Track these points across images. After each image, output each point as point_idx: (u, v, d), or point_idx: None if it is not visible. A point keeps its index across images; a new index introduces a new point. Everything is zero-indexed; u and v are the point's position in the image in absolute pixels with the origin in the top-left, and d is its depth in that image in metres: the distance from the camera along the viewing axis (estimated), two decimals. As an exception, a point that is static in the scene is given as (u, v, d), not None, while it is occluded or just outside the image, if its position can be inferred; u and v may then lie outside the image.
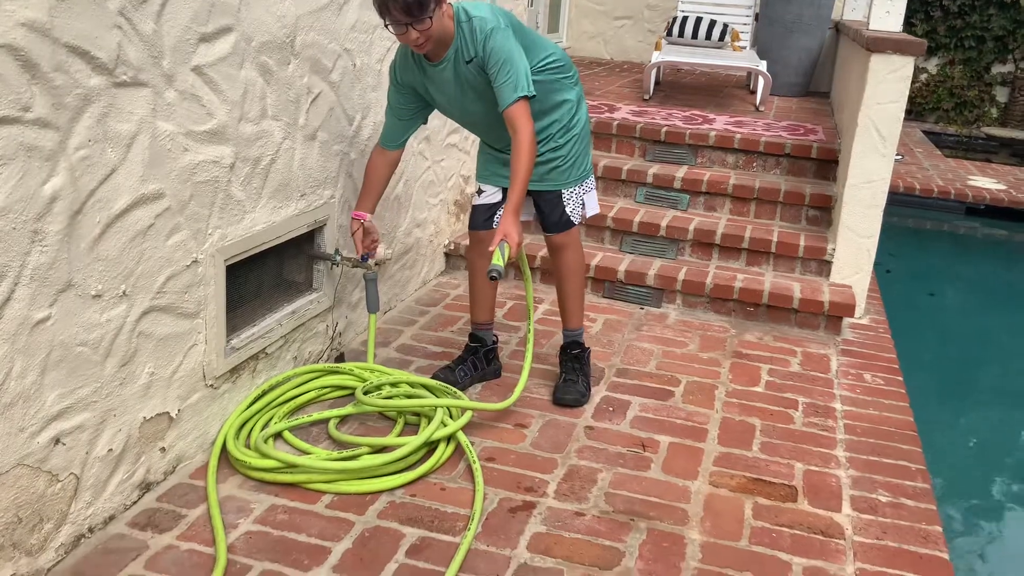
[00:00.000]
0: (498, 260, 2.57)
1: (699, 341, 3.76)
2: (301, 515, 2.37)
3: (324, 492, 2.48)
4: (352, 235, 3.00)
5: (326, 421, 2.80)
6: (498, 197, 3.04)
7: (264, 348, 2.83)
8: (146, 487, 2.39)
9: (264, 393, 2.83)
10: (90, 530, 2.20)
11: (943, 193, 7.37)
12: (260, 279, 2.87)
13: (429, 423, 2.74)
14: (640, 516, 2.47)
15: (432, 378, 3.00)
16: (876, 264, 4.31)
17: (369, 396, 2.79)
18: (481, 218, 3.08)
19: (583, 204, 3.04)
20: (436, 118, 3.88)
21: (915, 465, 2.86)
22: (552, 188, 2.96)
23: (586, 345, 3.22)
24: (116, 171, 2.08)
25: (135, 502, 2.35)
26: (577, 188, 3.00)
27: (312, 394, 2.93)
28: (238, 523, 2.32)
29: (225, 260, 2.55)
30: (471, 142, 4.42)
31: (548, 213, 3.00)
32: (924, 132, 10.05)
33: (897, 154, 8.38)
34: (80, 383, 2.08)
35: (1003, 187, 7.62)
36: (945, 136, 10.17)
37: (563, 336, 3.20)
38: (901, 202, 7.17)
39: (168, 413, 2.42)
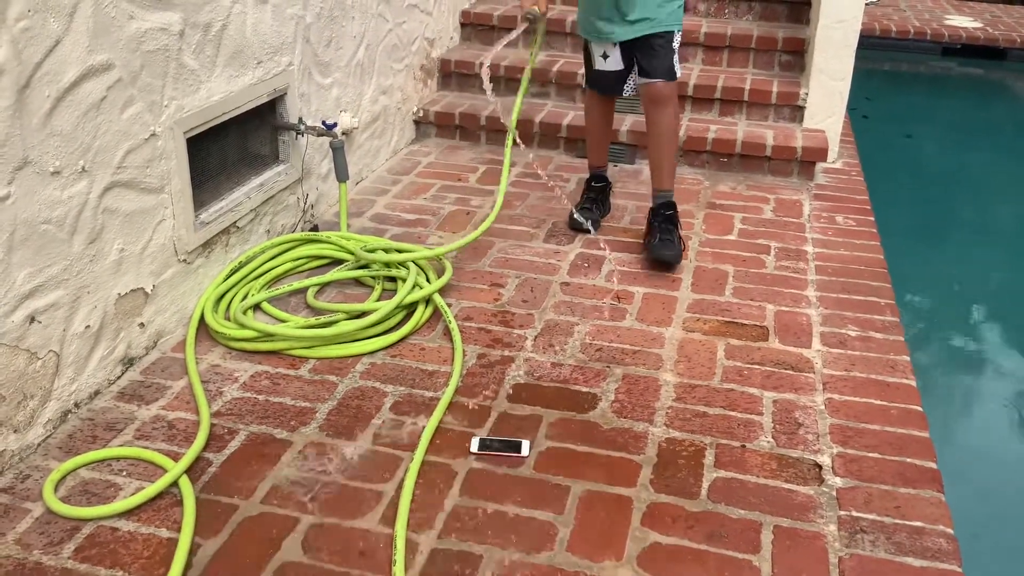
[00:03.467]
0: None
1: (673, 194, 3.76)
2: (284, 380, 2.42)
3: (306, 358, 2.52)
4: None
5: (304, 291, 2.82)
6: (622, 63, 3.06)
7: (235, 222, 2.82)
8: (128, 362, 2.42)
9: (240, 266, 2.84)
10: (76, 405, 2.24)
11: (919, 34, 7.25)
12: (224, 152, 2.83)
13: (404, 285, 2.76)
14: (616, 363, 2.54)
15: (570, 222, 3.32)
16: (852, 110, 4.28)
17: (365, 253, 2.86)
18: (606, 83, 3.14)
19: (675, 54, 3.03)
20: (394, -23, 3.75)
21: (884, 300, 2.92)
22: (666, 30, 2.94)
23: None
24: (61, 42, 2.01)
25: (119, 377, 2.39)
26: (679, 35, 3.00)
27: (288, 265, 2.94)
28: (223, 391, 2.36)
29: (184, 132, 2.50)
30: (432, 2, 4.29)
31: (659, 58, 2.95)
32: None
33: (873, -3, 8.19)
34: (49, 261, 2.08)
35: (979, 25, 7.49)
36: (923, -24, 9.91)
37: (656, 198, 3.14)
38: (877, 45, 7.05)
39: (143, 289, 2.43)
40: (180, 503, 1.95)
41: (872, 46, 7.07)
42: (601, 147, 3.40)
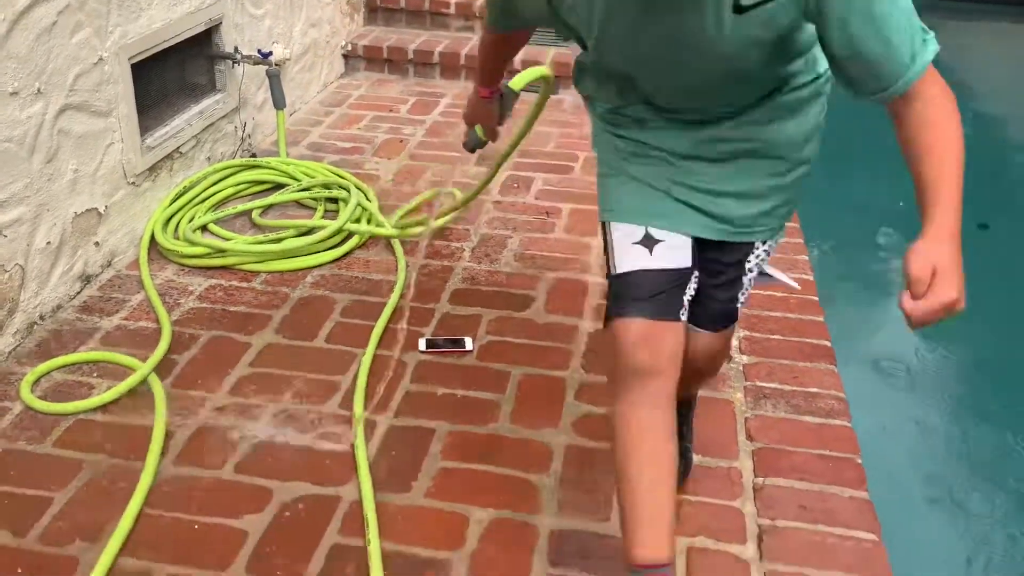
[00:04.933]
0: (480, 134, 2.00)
1: (594, 121, 3.97)
2: (238, 292, 2.58)
3: (257, 272, 2.68)
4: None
5: (249, 212, 2.96)
6: (688, 258, 1.50)
7: (178, 147, 2.93)
8: (86, 279, 2.54)
9: (184, 191, 2.95)
10: (41, 317, 2.36)
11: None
12: (165, 80, 2.92)
13: (347, 205, 2.92)
14: (547, 269, 2.76)
15: None
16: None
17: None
18: (654, 290, 1.47)
19: (756, 270, 1.60)
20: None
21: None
22: (748, 239, 1.54)
23: None
24: (11, -35, 2.10)
25: (78, 292, 2.51)
26: (772, 244, 1.59)
27: (231, 190, 3.06)
28: (180, 303, 2.51)
29: (129, 58, 2.60)
30: (358, -63, 4.37)
31: (716, 287, 1.56)
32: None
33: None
34: (12, 178, 2.18)
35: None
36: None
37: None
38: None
39: (96, 209, 2.54)
40: (152, 396, 2.11)
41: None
42: (652, 516, 1.48)
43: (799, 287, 1.98)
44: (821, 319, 2.54)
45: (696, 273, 1.51)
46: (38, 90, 2.23)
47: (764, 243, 1.56)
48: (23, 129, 2.20)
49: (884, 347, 3.27)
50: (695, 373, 1.68)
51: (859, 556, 1.76)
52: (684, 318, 1.49)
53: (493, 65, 1.87)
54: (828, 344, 2.43)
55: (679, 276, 1.49)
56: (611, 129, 1.56)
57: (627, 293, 1.47)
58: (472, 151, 2.04)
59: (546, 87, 2.19)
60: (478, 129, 1.97)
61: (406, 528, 1.79)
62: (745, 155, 1.48)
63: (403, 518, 1.81)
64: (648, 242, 1.49)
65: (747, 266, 1.57)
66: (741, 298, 1.61)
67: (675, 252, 1.49)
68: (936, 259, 1.17)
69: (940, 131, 1.25)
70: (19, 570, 1.67)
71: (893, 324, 3.54)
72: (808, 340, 2.44)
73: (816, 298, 2.65)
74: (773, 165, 1.49)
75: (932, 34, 1.26)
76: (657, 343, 1.44)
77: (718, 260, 1.55)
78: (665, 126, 1.49)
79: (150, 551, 1.71)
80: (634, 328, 1.44)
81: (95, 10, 2.41)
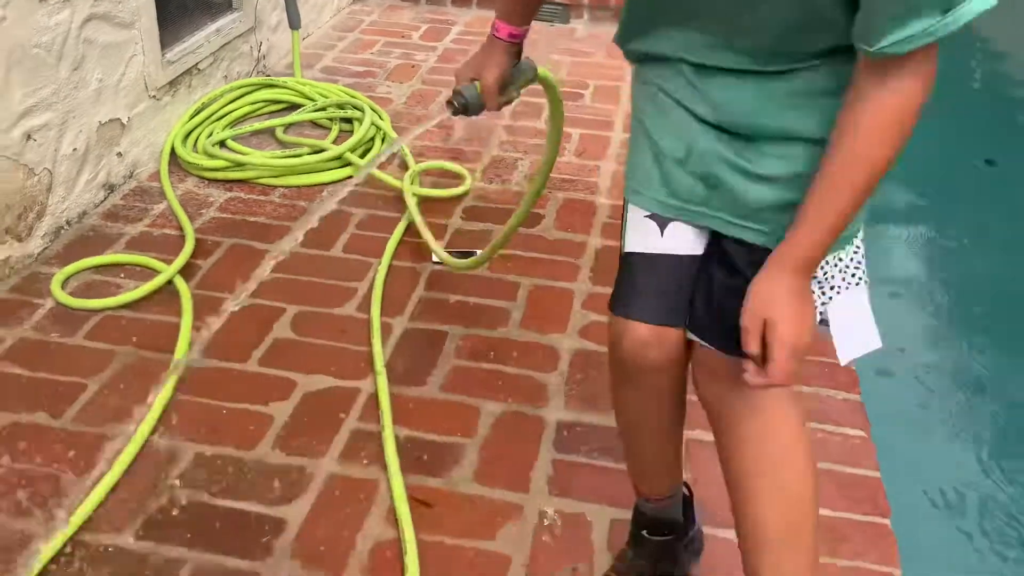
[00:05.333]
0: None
1: (606, 51, 4.01)
2: (257, 204, 2.66)
3: (274, 187, 2.75)
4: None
5: (266, 130, 3.02)
6: (700, 246, 1.25)
7: (196, 64, 2.98)
8: (110, 188, 2.61)
9: (203, 107, 3.01)
10: (68, 223, 2.45)
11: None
12: (184, -5, 2.97)
13: (361, 125, 2.98)
14: (556, 189, 2.83)
15: None
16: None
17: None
18: (653, 284, 1.27)
19: (824, 314, 1.21)
20: None
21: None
22: (764, 240, 1.17)
23: None
24: None
25: (103, 201, 2.59)
26: (830, 264, 1.20)
27: (247, 108, 3.12)
28: (201, 213, 2.59)
29: (151, -29, 2.64)
30: None
31: (723, 295, 1.20)
32: None
33: None
34: (41, 84, 2.25)
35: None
36: None
37: None
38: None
39: (120, 119, 2.60)
40: (177, 297, 2.20)
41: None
42: (651, 466, 1.48)
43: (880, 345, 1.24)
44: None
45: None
46: (65, -2, 2.29)
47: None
48: (51, 36, 2.26)
49: (883, 270, 3.36)
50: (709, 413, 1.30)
51: (848, 450, 1.87)
52: (689, 331, 1.25)
53: None
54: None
55: (692, 265, 1.23)
56: (643, 77, 1.27)
57: (632, 282, 1.27)
58: (457, 113, 1.39)
59: (556, 104, 1.73)
60: (477, 85, 1.38)
61: (421, 417, 1.89)
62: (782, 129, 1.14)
63: (418, 409, 1.92)
64: (661, 219, 1.24)
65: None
66: None
67: (687, 233, 1.23)
68: (767, 303, 1.07)
69: (858, 137, 1.02)
70: (56, 446, 1.77)
71: (896, 247, 3.63)
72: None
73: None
74: (813, 150, 1.11)
75: (960, 10, 0.93)
76: (662, 346, 1.25)
77: (736, 256, 1.19)
78: (699, 79, 1.17)
79: (180, 432, 1.82)
80: (634, 331, 1.25)
81: (118, -79, 2.45)
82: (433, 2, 4.42)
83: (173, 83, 2.86)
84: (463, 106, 1.38)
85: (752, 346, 1.08)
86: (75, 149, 2.42)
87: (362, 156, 2.90)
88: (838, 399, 2.01)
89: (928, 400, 2.45)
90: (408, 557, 1.56)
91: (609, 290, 1.31)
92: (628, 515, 1.68)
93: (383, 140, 2.98)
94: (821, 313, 1.19)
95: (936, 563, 1.78)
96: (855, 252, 1.22)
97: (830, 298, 1.20)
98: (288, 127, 3.04)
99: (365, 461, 1.78)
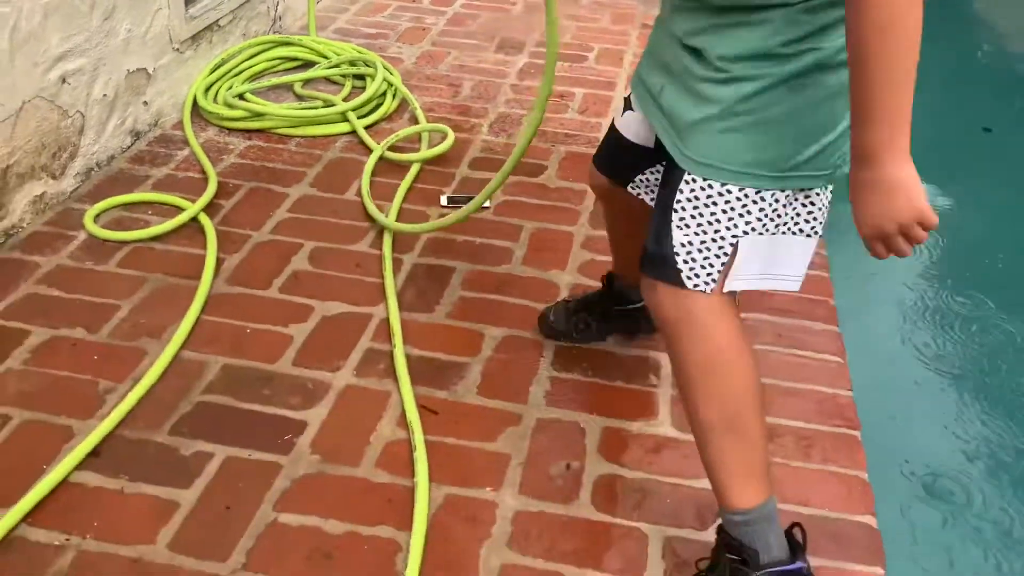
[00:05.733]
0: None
1: (609, 17, 4.14)
2: (275, 152, 2.80)
3: (290, 137, 2.90)
4: None
5: (282, 85, 3.16)
6: (647, 138, 1.55)
7: (217, 20, 3.12)
8: (136, 135, 2.76)
9: (223, 62, 3.15)
10: (97, 165, 2.60)
11: None
12: (205, -45, 3.10)
13: (373, 81, 3.12)
14: (559, 143, 2.97)
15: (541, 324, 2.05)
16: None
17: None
18: (612, 151, 1.67)
19: (733, 248, 1.33)
20: None
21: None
22: (698, 172, 1.31)
23: (772, 555, 1.42)
24: None
25: (130, 146, 2.73)
26: (742, 196, 1.30)
27: (264, 64, 3.26)
28: (222, 159, 2.74)
29: (176, -71, 2.78)
30: None
31: (658, 222, 1.39)
32: None
33: None
34: (75, 30, 2.39)
35: None
36: None
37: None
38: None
39: (146, 69, 2.75)
40: (202, 232, 2.35)
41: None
42: (617, 248, 1.93)
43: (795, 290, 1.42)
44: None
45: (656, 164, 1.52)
46: (97, -50, 2.43)
47: (701, 183, 1.30)
48: (84, -15, 2.40)
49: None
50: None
51: (825, 372, 2.02)
52: (631, 190, 1.64)
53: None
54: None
55: (632, 150, 1.56)
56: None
57: (603, 140, 1.74)
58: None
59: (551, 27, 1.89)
60: None
61: (429, 339, 2.04)
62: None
63: (427, 332, 2.07)
64: (626, 102, 1.58)
65: (674, 201, 1.32)
66: (674, 247, 1.33)
67: (633, 124, 1.56)
68: (871, 200, 1.16)
69: (880, 41, 1.08)
70: (95, 357, 1.93)
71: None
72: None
73: (807, 175, 2.86)
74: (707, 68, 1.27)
75: None
76: (602, 185, 1.75)
77: (663, 173, 1.40)
78: None
79: (207, 346, 1.97)
80: (592, 168, 1.77)
81: None
82: (443, -30, 4.54)
83: (195, 38, 3.00)
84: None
85: (882, 256, 1.21)
86: (105, 95, 2.57)
87: (373, 111, 3.04)
88: (816, 329, 2.16)
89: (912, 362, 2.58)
90: (417, 453, 1.71)
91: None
92: (619, 424, 1.84)
93: (394, 96, 3.12)
94: (734, 240, 1.31)
95: (903, 469, 1.93)
96: (812, 205, 1.33)
97: (746, 233, 1.31)
98: (305, 83, 3.18)
99: (378, 375, 1.93)
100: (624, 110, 1.59)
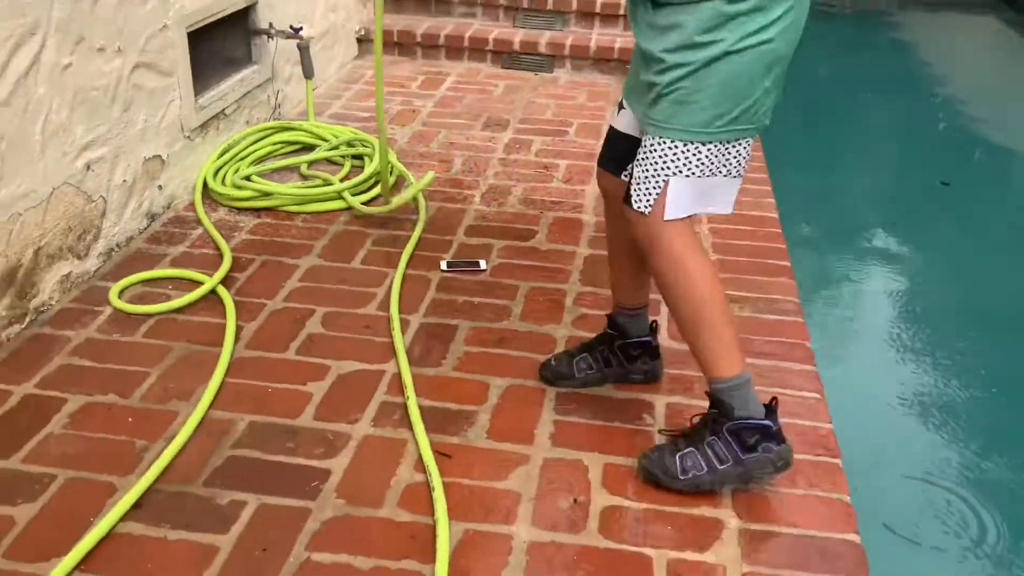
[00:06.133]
0: None
1: (587, 95, 4.41)
2: (283, 228, 2.99)
3: (297, 213, 3.09)
4: None
5: (285, 167, 3.37)
6: (632, 129, 1.96)
7: (223, 109, 3.34)
8: (152, 216, 2.95)
9: (229, 147, 3.37)
10: (118, 245, 2.77)
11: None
12: (212, 50, 3.33)
13: (371, 161, 3.33)
14: (547, 210, 3.18)
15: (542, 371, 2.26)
16: None
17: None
18: (612, 149, 2.05)
19: (665, 184, 1.77)
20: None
21: (757, 163, 3.63)
22: (656, 134, 1.78)
23: (743, 412, 1.89)
24: (100, -58, 2.51)
25: (146, 228, 2.92)
26: (669, 149, 1.77)
27: (268, 148, 3.48)
28: (234, 235, 2.92)
29: (186, 27, 3.01)
30: (370, -69, 4.79)
31: (638, 168, 1.83)
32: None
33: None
34: (98, 122, 2.59)
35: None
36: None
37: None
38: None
39: (160, 156, 2.95)
40: (221, 303, 2.52)
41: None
42: (617, 277, 2.21)
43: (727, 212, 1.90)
44: (783, 245, 2.97)
45: None
46: (118, 48, 2.65)
47: (653, 139, 1.78)
48: (107, 81, 2.61)
49: (834, 257, 3.72)
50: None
51: (804, 407, 2.19)
52: (623, 177, 1.98)
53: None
54: (788, 264, 2.86)
55: (626, 140, 1.97)
56: None
57: (604, 142, 2.10)
58: None
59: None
60: None
61: (439, 390, 2.20)
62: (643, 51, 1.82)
63: (436, 384, 2.23)
64: (619, 106, 2.03)
65: (640, 152, 1.84)
66: (638, 188, 1.82)
67: (625, 120, 1.99)
68: None
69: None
70: (129, 419, 2.07)
71: (866, 254, 4.00)
72: (770, 262, 2.87)
73: (779, 230, 3.08)
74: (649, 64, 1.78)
75: None
76: (609, 183, 2.07)
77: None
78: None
79: (234, 406, 2.12)
80: (599, 170, 2.11)
81: (161, -16, 2.83)
82: (428, 56, 4.82)
83: (204, 126, 3.21)
84: None
85: None
86: (124, 180, 2.76)
87: (374, 184, 3.25)
88: (795, 369, 2.33)
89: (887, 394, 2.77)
90: (435, 493, 1.85)
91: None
92: (620, 460, 2.00)
93: (391, 172, 3.33)
94: (665, 178, 1.77)
95: (883, 492, 2.08)
96: (737, 154, 1.79)
97: (675, 174, 1.76)
98: (311, 164, 3.40)
99: (393, 424, 2.08)
100: (619, 111, 2.02)
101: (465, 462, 1.98)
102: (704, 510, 1.88)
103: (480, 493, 1.90)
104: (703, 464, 1.90)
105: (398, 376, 2.24)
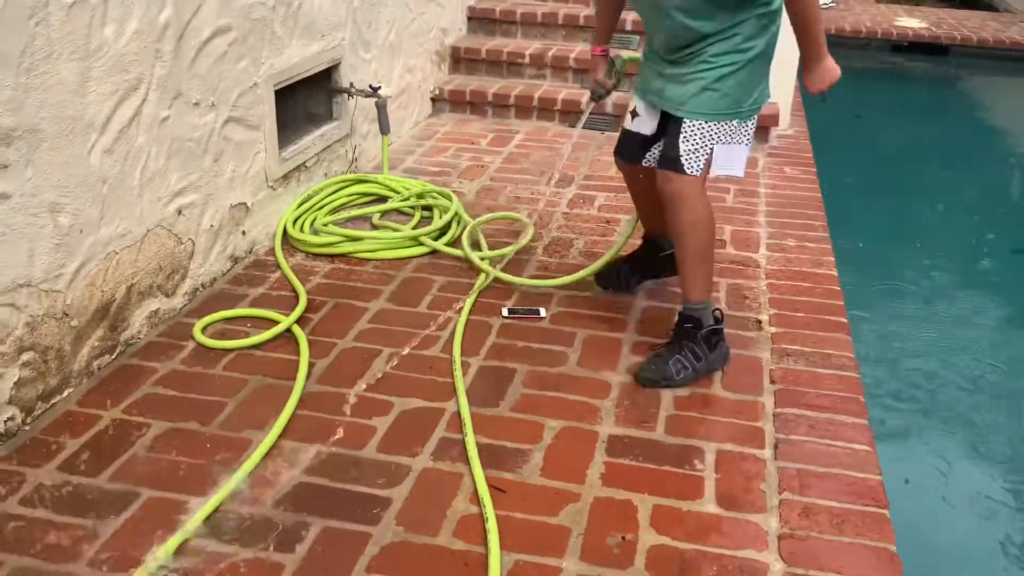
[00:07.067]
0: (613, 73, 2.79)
1: (703, 308, 4.52)
2: (355, 273, 3.15)
3: (368, 260, 3.25)
4: (595, 76, 2.83)
5: (360, 217, 3.55)
6: (652, 128, 2.66)
7: (304, 162, 3.55)
8: (235, 260, 3.14)
9: (308, 198, 3.57)
10: (202, 286, 2.96)
11: (871, 33, 8.09)
12: (296, 106, 3.56)
13: (447, 211, 3.49)
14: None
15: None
16: (821, 100, 5.11)
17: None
18: (629, 145, 2.74)
19: (710, 153, 2.45)
20: (419, -27, 4.52)
21: (818, 223, 3.69)
22: (691, 118, 2.45)
23: (709, 323, 2.56)
24: (201, 7, 2.75)
25: (229, 270, 3.11)
26: (713, 127, 2.44)
27: (344, 199, 3.67)
28: (309, 279, 3.09)
29: (274, 85, 3.24)
30: (447, -3, 5.05)
31: (672, 144, 2.47)
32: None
33: (831, 1, 9.03)
34: (190, 170, 2.80)
35: (925, 25, 8.35)
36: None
37: (682, 306, 2.62)
38: (832, 44, 7.89)
39: (246, 204, 3.15)
40: (295, 341, 2.67)
41: (829, 44, 7.91)
42: (647, 212, 2.93)
43: (741, 175, 2.57)
44: (841, 302, 3.01)
45: (660, 140, 2.59)
46: (212, 103, 2.87)
47: (694, 122, 2.44)
48: (200, 133, 2.83)
49: (892, 317, 3.72)
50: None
51: (856, 459, 2.22)
52: (644, 164, 2.72)
53: (604, 23, 2.84)
54: (844, 320, 2.90)
55: (643, 142, 2.69)
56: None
57: (620, 140, 2.79)
58: (596, 98, 2.87)
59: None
60: (598, 81, 2.83)
61: (495, 430, 2.30)
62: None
63: (494, 423, 2.33)
64: (632, 113, 2.71)
65: (679, 132, 2.45)
66: (680, 153, 2.45)
67: (640, 124, 2.69)
68: (819, 73, 2.44)
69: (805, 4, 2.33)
70: (207, 445, 2.22)
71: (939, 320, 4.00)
72: (828, 317, 2.91)
73: (838, 288, 3.12)
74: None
75: None
76: (626, 168, 2.82)
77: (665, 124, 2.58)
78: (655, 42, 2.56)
79: (303, 436, 2.25)
80: (617, 159, 2.83)
81: (254, 45, 3.06)
82: (499, 115, 5.02)
83: (286, 176, 3.42)
84: (596, 93, 2.85)
85: (821, 91, 2.49)
86: (212, 225, 2.96)
87: (441, 235, 3.40)
88: (847, 423, 2.37)
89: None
90: (488, 524, 1.94)
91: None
92: (668, 503, 2.06)
93: (458, 223, 3.49)
94: (711, 147, 2.45)
95: (929, 545, 2.09)
96: (747, 129, 2.49)
97: (717, 143, 2.46)
98: (383, 214, 3.58)
99: (451, 459, 2.18)
100: (632, 118, 2.71)
101: (518, 497, 2.07)
102: (748, 553, 1.93)
103: (531, 527, 1.98)
104: (687, 365, 2.52)
105: (458, 414, 2.35)
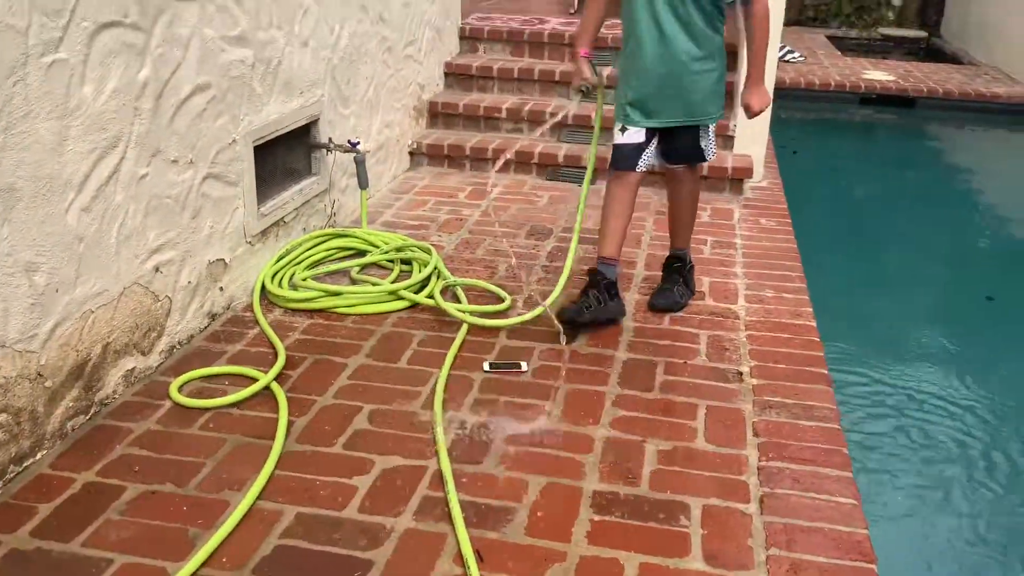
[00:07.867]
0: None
1: (686, 251, 4.56)
2: (335, 328, 3.13)
3: (347, 315, 3.23)
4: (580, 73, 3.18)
5: (339, 272, 3.54)
6: (642, 137, 3.12)
7: (282, 217, 3.54)
8: (212, 316, 3.11)
9: (287, 252, 3.55)
10: (179, 343, 2.93)
11: (839, 86, 8.26)
12: (275, 162, 3.56)
13: (426, 265, 3.49)
14: (588, 315, 3.28)
15: (558, 316, 2.98)
16: (782, 147, 5.14)
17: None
18: (624, 156, 3.15)
19: (714, 141, 3.24)
20: (395, 30, 4.58)
21: (795, 274, 3.72)
22: (708, 119, 3.15)
23: (691, 262, 3.46)
24: (180, 65, 2.76)
25: (206, 327, 3.07)
26: (715, 123, 3.20)
27: (323, 253, 3.66)
28: (288, 335, 3.06)
29: (253, 141, 3.24)
30: (423, 52, 5.11)
31: (690, 145, 3.17)
32: (828, 37, 10.92)
33: (800, 55, 9.23)
34: (168, 227, 2.79)
35: (892, 78, 8.54)
36: (847, 40, 11.05)
37: (670, 252, 3.46)
38: (802, 97, 8.05)
39: (224, 260, 3.13)
40: (274, 398, 2.64)
41: (799, 97, 8.08)
42: (615, 235, 3.21)
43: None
44: (821, 353, 3.02)
45: (650, 145, 3.17)
46: (191, 160, 2.86)
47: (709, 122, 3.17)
48: (179, 190, 2.82)
49: (872, 357, 3.74)
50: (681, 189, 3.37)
51: (841, 512, 2.21)
52: (639, 169, 3.17)
53: (591, 28, 3.21)
54: (825, 372, 2.91)
55: (636, 149, 3.14)
56: None
57: (616, 154, 3.19)
58: (583, 94, 3.22)
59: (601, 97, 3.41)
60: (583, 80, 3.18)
61: (479, 487, 2.27)
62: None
63: (476, 481, 2.30)
64: (623, 129, 3.17)
65: (699, 133, 3.17)
66: (703, 148, 3.20)
67: (635, 136, 3.14)
68: (758, 95, 3.11)
69: (761, 25, 3.04)
70: (184, 507, 2.17)
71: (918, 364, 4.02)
72: (808, 369, 2.92)
73: (817, 338, 3.14)
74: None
75: None
76: (620, 184, 3.22)
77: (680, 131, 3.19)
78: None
79: (282, 496, 2.21)
80: (616, 176, 3.21)
81: (233, 102, 3.07)
82: (476, 168, 5.05)
83: (264, 232, 3.41)
84: (584, 89, 3.18)
85: (758, 113, 3.21)
86: (189, 282, 2.93)
87: (420, 288, 3.39)
88: (831, 475, 2.36)
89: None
90: (473, 586, 1.91)
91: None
92: (655, 560, 2.03)
93: (438, 276, 3.48)
94: (713, 138, 3.24)
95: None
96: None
97: (714, 134, 3.25)
98: (363, 268, 3.57)
99: (434, 518, 2.15)
100: (623, 131, 3.15)
101: (505, 557, 2.03)
102: (737, 611, 1.90)
103: (517, 588, 1.94)
104: (683, 293, 3.36)
105: (439, 472, 2.32)
